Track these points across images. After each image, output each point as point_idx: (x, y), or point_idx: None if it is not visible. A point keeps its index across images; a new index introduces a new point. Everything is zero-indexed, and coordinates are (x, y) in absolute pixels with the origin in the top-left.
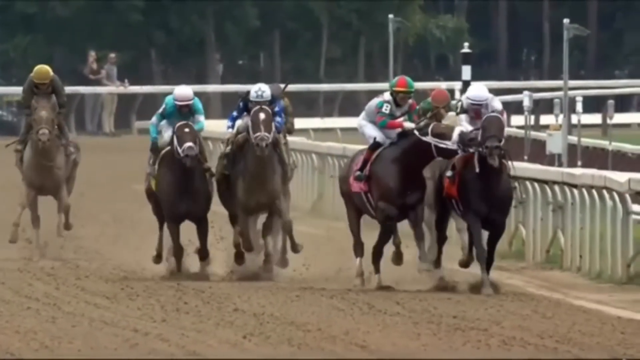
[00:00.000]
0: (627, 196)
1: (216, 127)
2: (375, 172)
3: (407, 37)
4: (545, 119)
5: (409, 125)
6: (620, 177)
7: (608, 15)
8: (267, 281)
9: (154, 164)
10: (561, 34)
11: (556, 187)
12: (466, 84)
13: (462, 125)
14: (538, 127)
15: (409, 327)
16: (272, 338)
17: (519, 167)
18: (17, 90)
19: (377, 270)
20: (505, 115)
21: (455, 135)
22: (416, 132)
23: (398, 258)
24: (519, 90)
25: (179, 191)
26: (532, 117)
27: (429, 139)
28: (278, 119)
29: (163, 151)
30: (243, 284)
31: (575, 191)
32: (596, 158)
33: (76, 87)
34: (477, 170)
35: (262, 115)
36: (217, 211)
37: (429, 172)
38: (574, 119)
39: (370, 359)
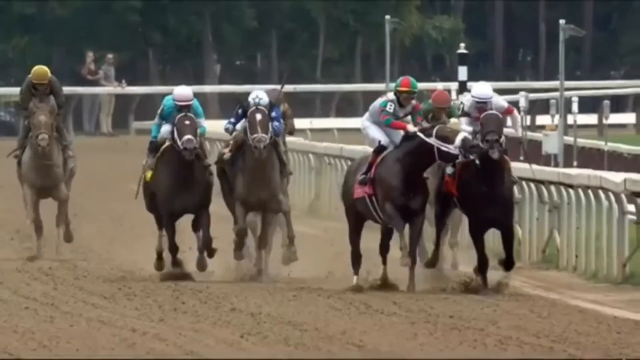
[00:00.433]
0: (623, 196)
1: (213, 128)
2: (379, 174)
3: (404, 37)
4: (541, 120)
5: (412, 128)
6: (616, 177)
7: (604, 16)
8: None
9: (153, 158)
10: (557, 34)
11: (552, 187)
12: (462, 85)
13: (462, 127)
14: (534, 127)
15: (406, 327)
16: (269, 338)
17: (516, 167)
18: (16, 90)
19: (384, 262)
20: (516, 112)
21: (458, 140)
22: (420, 134)
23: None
24: (515, 91)
25: (177, 184)
26: (528, 117)
27: (432, 140)
28: (276, 123)
29: (163, 146)
30: (240, 283)
31: (571, 191)
32: (592, 158)
33: (74, 87)
34: (479, 166)
35: (258, 116)
36: (215, 211)
37: (430, 168)
38: (570, 119)
39: (367, 358)
